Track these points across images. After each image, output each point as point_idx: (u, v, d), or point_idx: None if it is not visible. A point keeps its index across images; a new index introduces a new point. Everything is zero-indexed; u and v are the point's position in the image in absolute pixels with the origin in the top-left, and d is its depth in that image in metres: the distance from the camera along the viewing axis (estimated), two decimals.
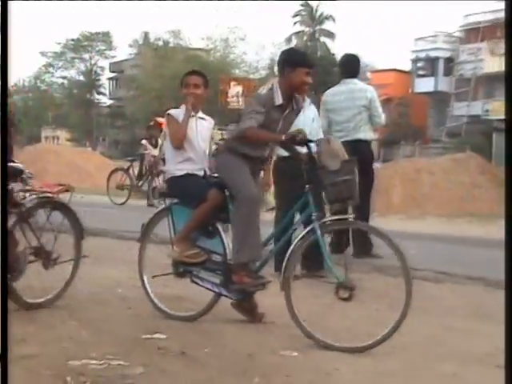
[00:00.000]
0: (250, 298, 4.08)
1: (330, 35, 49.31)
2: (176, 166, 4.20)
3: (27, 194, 4.22)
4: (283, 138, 3.76)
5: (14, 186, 4.54)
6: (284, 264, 3.68)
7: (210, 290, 4.05)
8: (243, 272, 3.86)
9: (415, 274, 4.00)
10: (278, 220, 5.08)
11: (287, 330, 3.91)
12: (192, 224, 4.05)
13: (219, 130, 15.16)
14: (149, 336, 3.67)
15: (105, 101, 63.20)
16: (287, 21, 62.42)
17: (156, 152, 12.94)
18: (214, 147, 4.50)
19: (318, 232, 3.65)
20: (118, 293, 4.76)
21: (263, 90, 3.99)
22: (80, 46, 58.47)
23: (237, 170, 3.96)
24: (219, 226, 4.05)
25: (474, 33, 41.40)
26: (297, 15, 49.99)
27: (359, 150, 5.41)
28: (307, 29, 49.20)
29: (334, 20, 49.29)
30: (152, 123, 13.46)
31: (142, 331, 3.74)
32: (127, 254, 5.73)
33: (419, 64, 44.97)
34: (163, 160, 12.95)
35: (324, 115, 6.30)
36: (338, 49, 64.15)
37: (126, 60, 56.05)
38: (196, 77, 4.33)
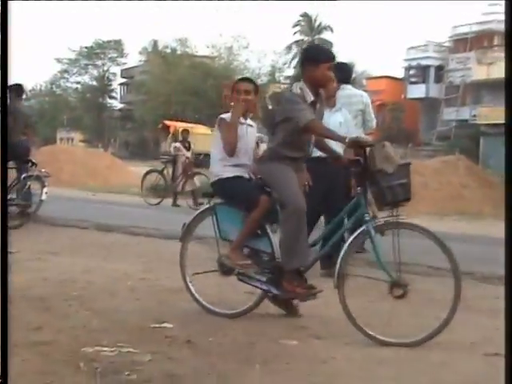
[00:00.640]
0: None
1: (328, 44, 49.28)
2: (224, 169, 4.01)
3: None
4: (347, 139, 3.53)
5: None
6: (338, 263, 3.55)
7: (258, 287, 3.92)
8: (295, 282, 3.73)
9: (407, 268, 3.98)
10: (327, 221, 4.97)
11: (287, 321, 3.92)
12: (246, 232, 3.90)
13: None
14: (157, 325, 3.67)
15: (116, 105, 63.49)
16: (288, 30, 62.23)
17: (189, 154, 12.82)
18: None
19: (373, 232, 3.54)
20: (127, 285, 4.75)
21: (296, 90, 3.80)
22: (93, 53, 58.59)
23: (284, 178, 3.79)
24: (267, 227, 3.91)
25: (462, 43, 41.46)
26: (297, 25, 50.06)
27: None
28: (306, 38, 49.11)
29: (331, 30, 49.39)
30: (160, 126, 13.42)
31: (151, 321, 3.74)
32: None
33: (411, 71, 45.02)
34: (194, 162, 12.93)
35: None
36: (336, 57, 63.87)
37: (136, 66, 56.02)
38: (247, 83, 4.12)
